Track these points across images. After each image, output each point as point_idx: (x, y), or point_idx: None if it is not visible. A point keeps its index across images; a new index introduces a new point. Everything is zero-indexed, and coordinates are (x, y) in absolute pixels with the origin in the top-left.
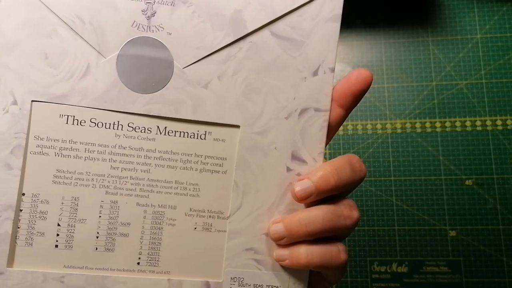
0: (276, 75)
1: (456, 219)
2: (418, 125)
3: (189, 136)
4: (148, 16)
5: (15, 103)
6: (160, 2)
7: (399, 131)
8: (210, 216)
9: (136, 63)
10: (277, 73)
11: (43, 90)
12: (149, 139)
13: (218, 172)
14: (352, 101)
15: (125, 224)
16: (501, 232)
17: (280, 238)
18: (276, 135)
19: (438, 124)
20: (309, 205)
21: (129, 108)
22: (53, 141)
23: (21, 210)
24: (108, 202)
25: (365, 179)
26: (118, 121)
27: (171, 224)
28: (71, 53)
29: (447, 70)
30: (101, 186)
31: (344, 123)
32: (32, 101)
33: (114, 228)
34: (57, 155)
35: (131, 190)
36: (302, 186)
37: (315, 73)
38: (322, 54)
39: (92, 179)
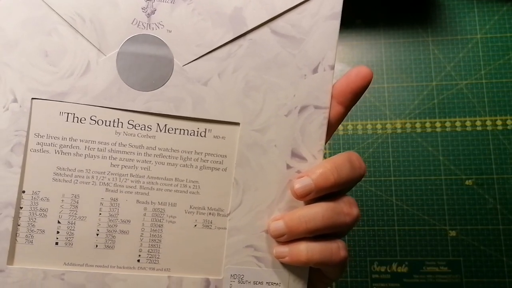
0: (276, 73)
1: (456, 219)
2: (418, 125)
3: (189, 134)
4: (148, 14)
5: (15, 100)
6: None
7: (399, 131)
8: (210, 214)
9: (136, 60)
10: (277, 70)
11: (43, 88)
12: (149, 137)
13: (218, 169)
14: (352, 99)
15: (125, 222)
16: (501, 232)
17: (280, 235)
18: (276, 133)
19: (438, 124)
20: (309, 202)
21: (129, 106)
22: (53, 138)
23: (21, 208)
24: (108, 200)
25: (365, 179)
26: (118, 119)
27: (171, 222)
28: (71, 51)
29: (447, 70)
30: (101, 183)
31: (344, 123)
32: (32, 98)
33: (114, 225)
34: (57, 153)
35: (131, 187)
36: (301, 183)
37: (315, 70)
38: (322, 52)
39: (92, 177)
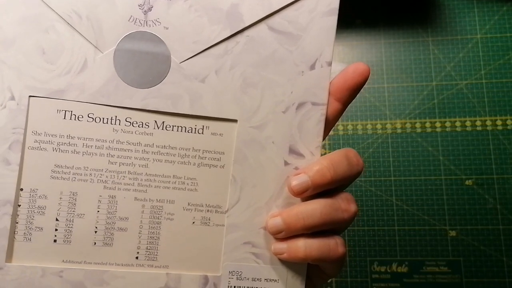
0: (273, 69)
1: (456, 219)
2: (418, 125)
3: (186, 131)
4: (145, 11)
5: (12, 98)
6: None
7: (399, 131)
8: (208, 211)
9: (133, 57)
10: (274, 67)
11: (40, 85)
12: (147, 134)
13: (216, 166)
14: (349, 95)
15: (123, 219)
16: (501, 232)
17: (278, 232)
18: (273, 129)
19: (438, 124)
20: (307, 199)
21: (126, 103)
22: (50, 136)
23: (19, 205)
24: (106, 197)
25: (365, 179)
26: (116, 116)
27: (169, 219)
28: (68, 48)
29: (447, 70)
30: (99, 181)
31: (344, 123)
32: (30, 96)
33: (113, 222)
34: (55, 150)
35: (129, 184)
36: (298, 180)
37: (312, 67)
38: (319, 48)
39: (90, 174)
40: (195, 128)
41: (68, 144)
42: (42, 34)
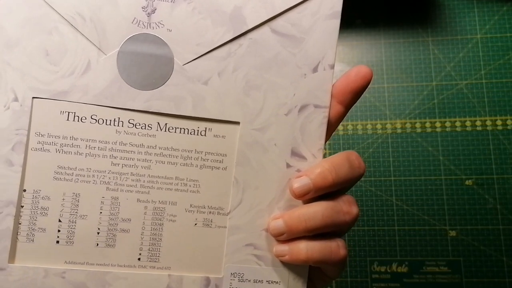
0: (276, 72)
1: (456, 219)
2: (418, 125)
3: (189, 133)
4: (148, 13)
5: (16, 99)
6: None
7: (399, 131)
8: (210, 212)
9: (136, 59)
10: (277, 69)
11: (44, 86)
12: (150, 136)
13: (218, 168)
14: (352, 98)
15: (125, 220)
16: (501, 232)
17: (280, 234)
18: (276, 132)
19: (438, 124)
20: (308, 201)
21: (129, 105)
22: (54, 137)
23: (22, 206)
24: (109, 198)
25: (365, 179)
26: (119, 118)
27: (171, 220)
28: (71, 50)
29: (447, 70)
30: (102, 182)
31: (344, 123)
32: (33, 97)
33: (115, 224)
34: (58, 152)
35: (131, 186)
36: (300, 183)
37: (315, 69)
38: (322, 51)
39: (93, 175)
40: (198, 130)
41: (71, 146)
42: (46, 36)
